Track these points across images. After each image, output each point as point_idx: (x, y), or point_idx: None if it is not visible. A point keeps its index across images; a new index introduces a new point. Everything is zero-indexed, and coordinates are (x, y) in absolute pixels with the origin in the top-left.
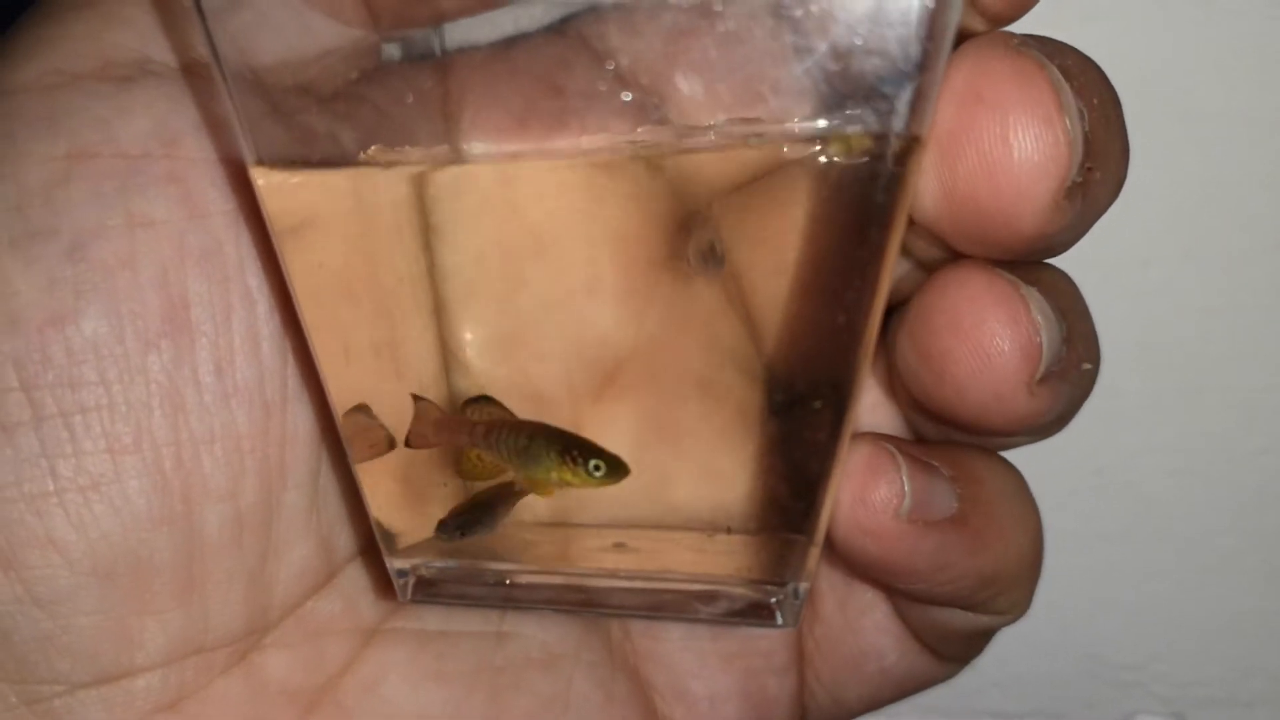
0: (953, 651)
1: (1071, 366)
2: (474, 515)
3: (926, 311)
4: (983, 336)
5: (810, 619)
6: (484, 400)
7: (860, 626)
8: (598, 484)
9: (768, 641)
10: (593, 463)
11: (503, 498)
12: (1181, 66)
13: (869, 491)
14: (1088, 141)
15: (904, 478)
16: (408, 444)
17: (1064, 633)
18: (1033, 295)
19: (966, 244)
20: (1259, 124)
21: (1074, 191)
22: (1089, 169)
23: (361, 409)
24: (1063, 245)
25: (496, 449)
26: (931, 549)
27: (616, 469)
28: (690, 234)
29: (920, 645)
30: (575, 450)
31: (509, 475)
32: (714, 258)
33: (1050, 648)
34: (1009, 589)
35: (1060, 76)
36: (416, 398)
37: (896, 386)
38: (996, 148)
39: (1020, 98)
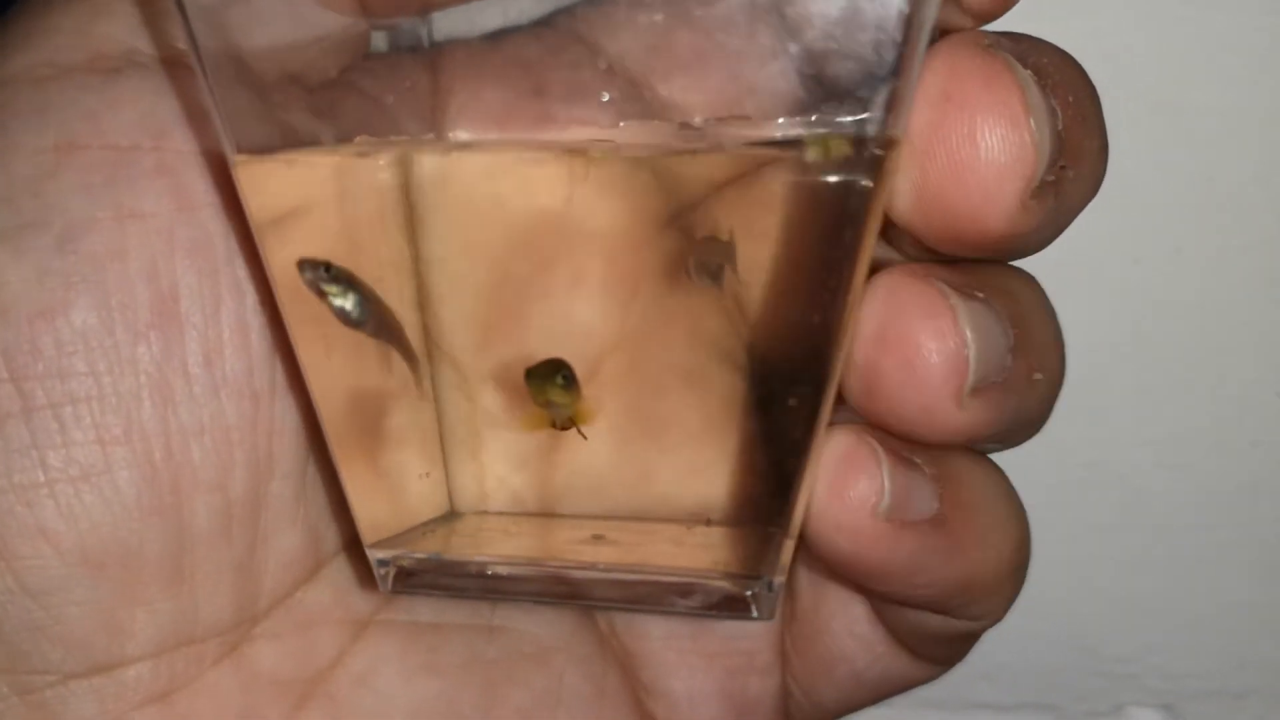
0: (933, 653)
1: (1018, 377)
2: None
3: (858, 322)
4: (907, 348)
5: (788, 618)
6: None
7: (831, 629)
8: (537, 396)
9: (750, 641)
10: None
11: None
12: (1170, 61)
13: (846, 486)
14: (1061, 140)
15: (884, 474)
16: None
17: (1056, 625)
18: (961, 305)
19: (938, 243)
20: (1248, 119)
21: (1044, 191)
22: (1062, 167)
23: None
24: (1038, 243)
25: None
26: (908, 551)
27: (535, 377)
28: (695, 246)
29: (897, 648)
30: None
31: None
32: (717, 276)
33: (1042, 640)
34: (985, 596)
35: (1028, 77)
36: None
37: None
38: (964, 148)
39: (987, 99)
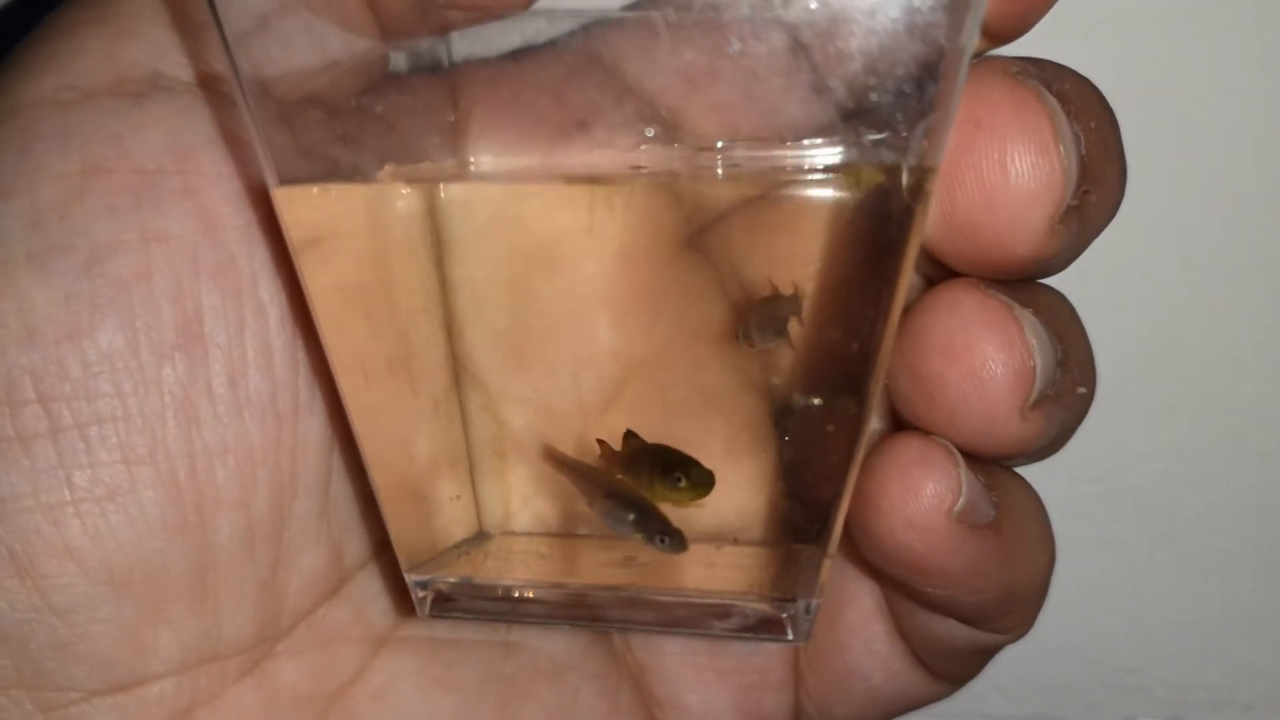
0: (949, 670)
1: (1066, 390)
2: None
3: (918, 333)
4: (975, 360)
5: None
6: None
7: (848, 646)
8: (683, 496)
9: (764, 658)
10: (674, 475)
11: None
12: (1181, 78)
13: (922, 485)
14: (1084, 165)
15: (961, 474)
16: None
17: (1065, 636)
18: (1026, 317)
19: (965, 265)
20: (1257, 134)
21: (1069, 215)
22: (1085, 192)
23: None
24: (1060, 265)
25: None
26: (971, 554)
27: (700, 483)
28: (757, 306)
29: (913, 665)
30: (669, 467)
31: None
32: (783, 331)
33: (1051, 651)
34: (1023, 606)
35: (1057, 104)
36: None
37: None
38: (994, 174)
39: (1018, 126)
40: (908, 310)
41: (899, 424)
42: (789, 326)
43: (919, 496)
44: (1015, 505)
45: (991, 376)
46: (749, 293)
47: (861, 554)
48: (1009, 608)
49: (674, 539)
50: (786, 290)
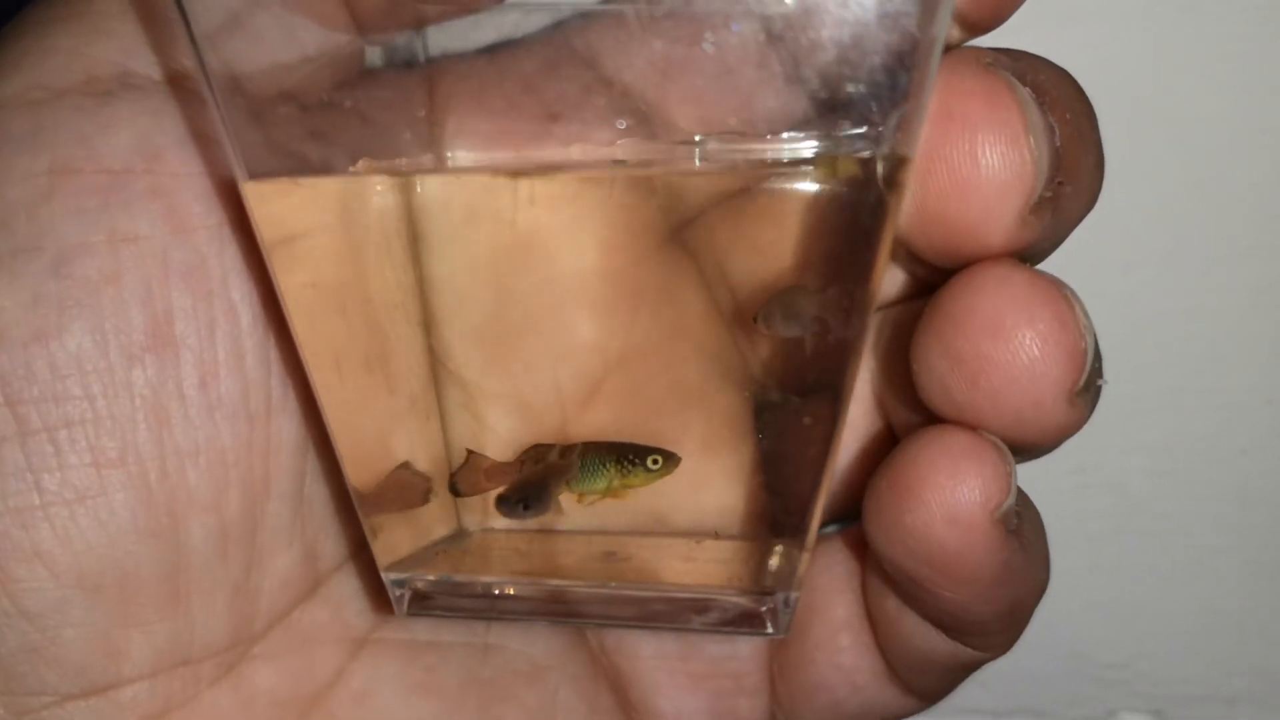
0: (923, 685)
1: (1095, 378)
2: (534, 492)
3: (959, 312)
4: (1025, 340)
5: (780, 642)
6: (538, 448)
7: (814, 659)
8: (656, 478)
9: (739, 662)
10: (650, 459)
11: (554, 475)
12: (1162, 70)
13: (970, 479)
14: (1059, 156)
15: (1011, 474)
16: (456, 491)
17: (1047, 631)
18: (1078, 298)
19: (937, 257)
20: (1240, 128)
21: (1043, 206)
22: (1059, 183)
23: (405, 466)
24: (1035, 258)
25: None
26: (1001, 560)
27: (670, 459)
28: (778, 295)
29: (880, 679)
30: (630, 454)
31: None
32: (807, 325)
33: (1033, 646)
34: (1017, 623)
35: (1028, 95)
36: (470, 451)
37: (888, 393)
38: (964, 165)
39: (988, 117)
40: (941, 292)
41: (913, 417)
42: (811, 319)
43: (966, 491)
44: (1031, 517)
45: (1045, 357)
46: (763, 281)
47: (880, 547)
48: (1008, 623)
49: (512, 507)
50: (810, 285)
